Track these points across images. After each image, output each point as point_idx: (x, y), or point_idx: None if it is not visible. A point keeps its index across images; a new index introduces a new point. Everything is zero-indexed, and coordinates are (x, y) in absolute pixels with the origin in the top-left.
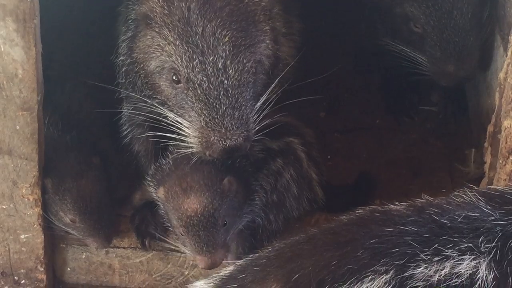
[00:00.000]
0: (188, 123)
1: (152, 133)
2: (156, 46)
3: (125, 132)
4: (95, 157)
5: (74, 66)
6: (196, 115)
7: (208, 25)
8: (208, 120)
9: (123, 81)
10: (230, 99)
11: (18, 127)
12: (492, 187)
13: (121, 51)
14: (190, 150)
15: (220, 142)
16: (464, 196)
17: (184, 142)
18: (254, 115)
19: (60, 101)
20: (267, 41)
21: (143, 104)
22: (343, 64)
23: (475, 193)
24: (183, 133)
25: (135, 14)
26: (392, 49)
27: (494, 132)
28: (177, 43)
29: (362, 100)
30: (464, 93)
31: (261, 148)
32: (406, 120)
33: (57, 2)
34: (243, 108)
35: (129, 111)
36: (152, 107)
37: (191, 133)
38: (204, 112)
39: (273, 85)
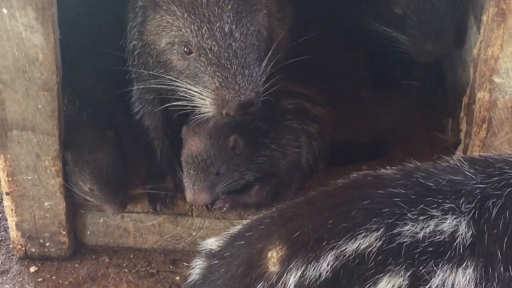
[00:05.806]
0: (203, 88)
1: (161, 107)
2: (165, 24)
3: (136, 109)
4: (109, 132)
5: (88, 50)
6: (210, 79)
7: None
8: (221, 80)
9: (134, 63)
10: (239, 59)
11: (40, 106)
12: (479, 153)
13: (131, 36)
14: (207, 114)
15: (236, 99)
16: (449, 161)
17: (200, 109)
18: (261, 75)
19: (77, 82)
20: (264, 11)
21: (154, 81)
22: (333, 44)
23: (461, 159)
24: (198, 99)
25: (142, 1)
26: (376, 30)
27: (469, 103)
28: (185, 16)
29: (350, 76)
30: (441, 69)
31: (274, 107)
32: (389, 94)
33: None
34: (251, 67)
35: (140, 89)
36: (163, 84)
37: (207, 97)
38: (217, 73)
39: (269, 53)
